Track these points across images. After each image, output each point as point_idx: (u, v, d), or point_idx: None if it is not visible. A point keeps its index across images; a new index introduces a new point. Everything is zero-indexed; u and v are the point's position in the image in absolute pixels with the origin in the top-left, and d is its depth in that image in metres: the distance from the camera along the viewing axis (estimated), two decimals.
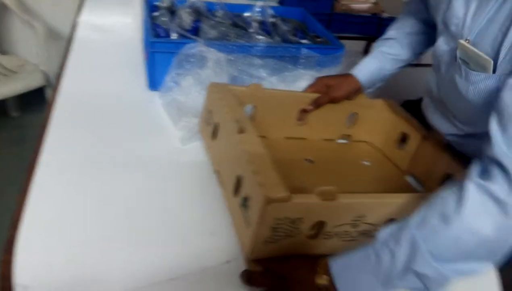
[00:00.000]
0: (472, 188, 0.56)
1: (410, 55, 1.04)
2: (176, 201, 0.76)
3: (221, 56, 1.02)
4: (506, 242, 0.56)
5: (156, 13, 1.16)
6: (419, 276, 0.57)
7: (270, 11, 1.32)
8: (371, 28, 2.17)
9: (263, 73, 1.10)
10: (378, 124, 1.02)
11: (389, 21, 2.16)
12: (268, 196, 0.57)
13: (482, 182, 0.56)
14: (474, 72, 0.73)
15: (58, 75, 1.11)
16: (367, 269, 0.60)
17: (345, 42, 1.26)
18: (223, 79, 1.03)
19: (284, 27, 1.26)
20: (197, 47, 0.99)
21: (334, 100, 0.95)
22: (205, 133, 0.87)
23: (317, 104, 0.95)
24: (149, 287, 0.61)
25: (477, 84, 0.73)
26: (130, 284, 0.60)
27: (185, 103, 0.96)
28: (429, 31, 1.02)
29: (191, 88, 1.00)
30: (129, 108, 1.01)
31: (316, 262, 0.63)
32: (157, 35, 1.09)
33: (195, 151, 0.89)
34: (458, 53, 0.76)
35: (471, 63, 0.73)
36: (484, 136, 0.60)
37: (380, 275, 0.59)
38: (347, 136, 1.04)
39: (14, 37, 2.27)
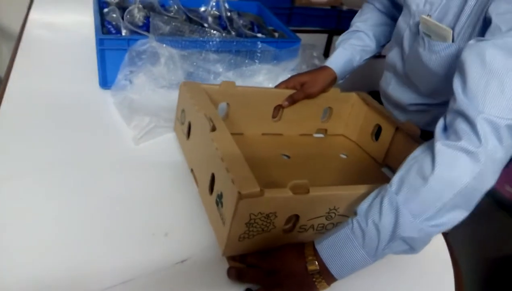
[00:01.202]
0: (442, 148, 0.58)
1: (376, 47, 1.07)
2: (128, 202, 0.74)
3: (174, 52, 1.00)
4: (481, 190, 0.59)
5: (106, 10, 1.12)
6: (405, 240, 0.58)
7: (226, 5, 1.30)
8: (331, 21, 2.19)
9: (219, 68, 1.08)
10: (352, 117, 1.03)
11: (349, 13, 2.20)
12: (241, 191, 0.57)
13: (449, 142, 0.58)
14: (436, 42, 0.81)
15: (5, 76, 1.06)
16: (355, 244, 0.60)
17: (307, 36, 1.27)
18: (178, 75, 1.02)
19: (240, 21, 1.25)
20: (148, 44, 0.97)
21: (310, 96, 0.95)
22: (179, 132, 0.86)
23: (292, 100, 0.94)
24: None
25: (439, 54, 0.82)
26: (83, 288, 0.58)
27: (137, 101, 0.94)
28: (390, 23, 1.07)
29: (144, 85, 0.98)
30: (80, 108, 0.97)
31: (302, 249, 0.63)
32: (108, 32, 1.06)
33: (148, 150, 0.87)
34: (421, 27, 0.84)
35: (433, 35, 0.82)
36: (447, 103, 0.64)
37: (368, 247, 0.59)
38: (323, 131, 1.05)
39: None
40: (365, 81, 1.60)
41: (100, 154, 0.84)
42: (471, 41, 0.64)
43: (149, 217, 0.72)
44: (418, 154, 0.63)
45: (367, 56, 1.07)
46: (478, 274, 1.84)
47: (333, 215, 0.68)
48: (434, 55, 0.83)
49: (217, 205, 0.65)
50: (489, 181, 0.59)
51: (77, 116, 0.94)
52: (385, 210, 0.59)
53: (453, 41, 0.79)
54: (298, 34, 1.21)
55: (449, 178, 0.57)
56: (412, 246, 0.60)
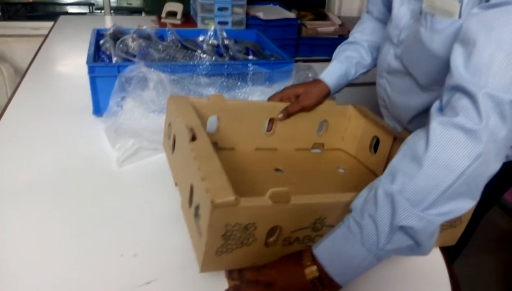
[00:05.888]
0: (436, 125, 0.53)
1: (372, 60, 1.04)
2: (99, 223, 0.73)
3: (163, 76, 1.00)
4: (485, 174, 0.53)
5: (102, 41, 1.15)
6: (406, 230, 0.53)
7: (224, 34, 1.32)
8: None
9: (211, 91, 1.08)
10: (349, 130, 0.99)
11: None
12: (214, 200, 0.52)
13: (445, 118, 0.53)
14: (439, 19, 0.75)
15: (3, 108, 1.09)
16: (354, 242, 0.55)
17: (315, 65, 1.26)
18: None
19: (236, 47, 1.25)
20: (137, 69, 0.98)
21: (305, 109, 0.92)
22: (167, 147, 0.83)
23: (288, 112, 0.90)
24: None
25: (443, 32, 0.75)
26: None
27: (126, 125, 0.94)
28: None
29: (133, 110, 0.97)
30: (72, 135, 0.99)
31: (300, 256, 0.58)
32: (102, 62, 1.08)
33: (132, 172, 0.86)
34: (424, 7, 0.78)
35: (437, 12, 0.75)
36: None
37: (368, 243, 0.54)
38: (320, 145, 1.00)
39: None
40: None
41: (84, 178, 0.84)
42: (475, 9, 0.58)
43: (118, 237, 0.70)
44: (411, 138, 0.57)
45: (363, 70, 1.04)
46: None
47: (319, 226, 0.63)
48: (437, 35, 0.76)
49: (195, 217, 0.60)
50: (493, 164, 0.53)
51: (68, 144, 0.95)
52: (381, 201, 0.54)
53: (460, 16, 0.72)
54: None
55: (446, 160, 0.51)
56: (416, 241, 0.54)
